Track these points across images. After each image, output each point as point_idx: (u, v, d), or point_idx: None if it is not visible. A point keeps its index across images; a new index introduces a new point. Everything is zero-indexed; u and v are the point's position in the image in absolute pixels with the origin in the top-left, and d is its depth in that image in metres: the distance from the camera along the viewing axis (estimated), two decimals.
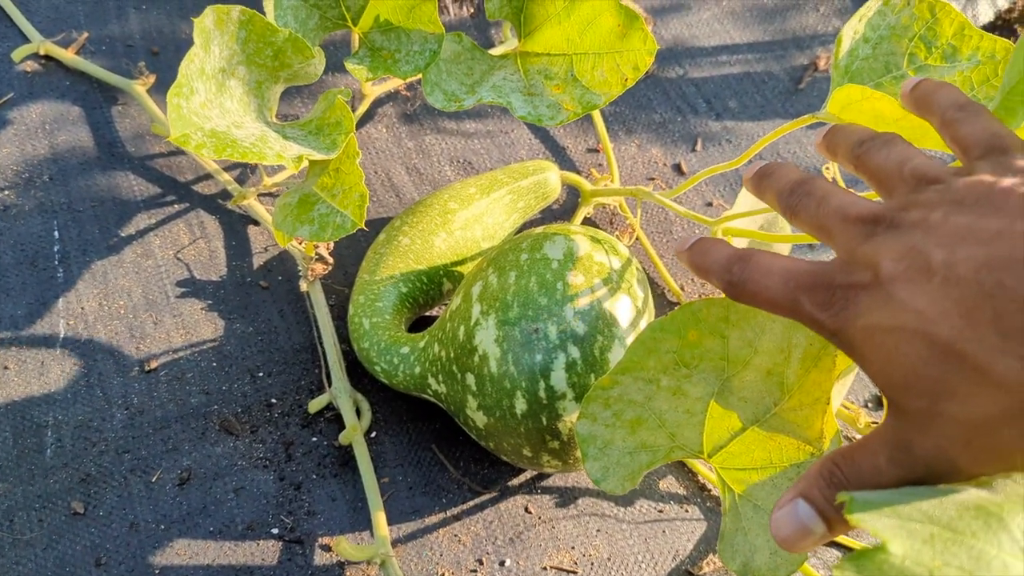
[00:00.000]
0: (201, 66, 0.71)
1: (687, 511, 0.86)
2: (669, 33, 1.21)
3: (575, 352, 0.71)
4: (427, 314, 0.93)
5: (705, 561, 0.84)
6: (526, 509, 0.84)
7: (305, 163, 0.75)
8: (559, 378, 0.71)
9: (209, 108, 0.71)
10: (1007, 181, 0.41)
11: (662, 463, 0.70)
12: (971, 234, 0.39)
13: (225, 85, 0.74)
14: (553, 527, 0.83)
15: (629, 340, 0.73)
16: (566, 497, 0.85)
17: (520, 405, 0.72)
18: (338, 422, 0.86)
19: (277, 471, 0.83)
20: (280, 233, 0.76)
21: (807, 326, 0.48)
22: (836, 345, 0.47)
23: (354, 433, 0.81)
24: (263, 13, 0.80)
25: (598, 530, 0.84)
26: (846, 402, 0.84)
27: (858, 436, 0.88)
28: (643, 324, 0.75)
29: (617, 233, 0.98)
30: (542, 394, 0.71)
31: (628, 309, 0.74)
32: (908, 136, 0.67)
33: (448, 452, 0.86)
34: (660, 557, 0.83)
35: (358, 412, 0.85)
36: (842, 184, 0.74)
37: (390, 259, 0.87)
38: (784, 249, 0.95)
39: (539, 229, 0.80)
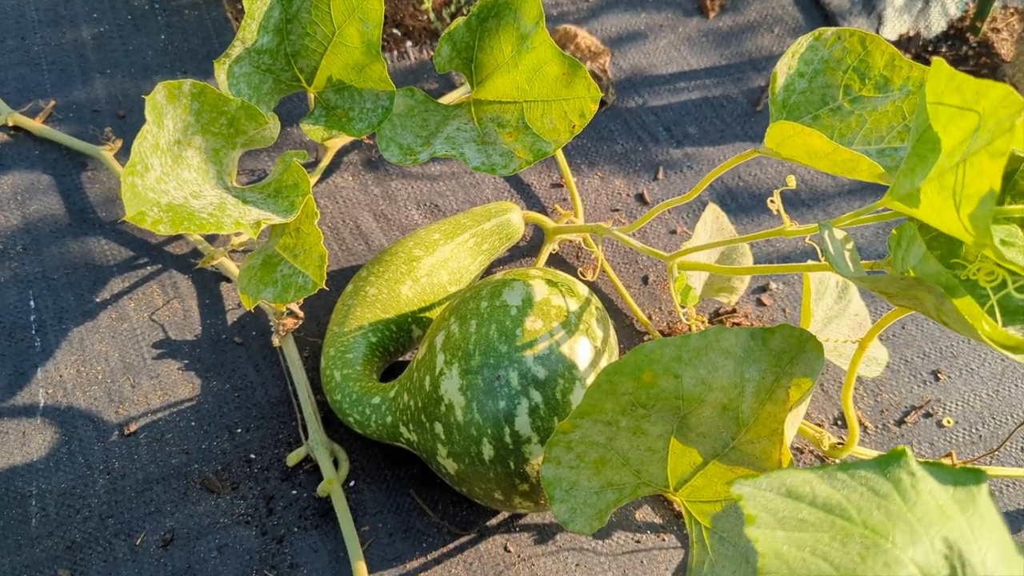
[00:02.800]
0: (155, 141, 0.73)
1: (664, 540, 0.88)
2: (627, 63, 1.23)
3: (537, 396, 0.73)
4: (402, 359, 0.95)
5: None
6: (505, 548, 0.86)
7: (267, 225, 0.77)
8: (523, 423, 0.72)
9: (165, 182, 0.73)
10: None
11: (629, 500, 0.72)
12: None
13: (182, 156, 0.76)
14: (532, 565, 0.85)
15: (590, 380, 0.75)
16: (544, 534, 0.87)
17: (487, 451, 0.74)
18: (317, 473, 0.88)
19: (259, 526, 0.85)
20: (246, 296, 0.78)
21: None
22: None
23: (331, 486, 0.83)
24: (215, 83, 0.82)
25: (577, 564, 0.85)
26: (808, 423, 0.86)
27: (823, 456, 0.90)
28: (604, 363, 0.77)
29: (581, 268, 1.00)
30: (508, 439, 0.73)
31: (587, 350, 0.75)
32: (839, 170, 0.69)
33: (426, 496, 0.88)
34: None
35: (336, 463, 0.87)
36: (784, 215, 0.76)
37: (358, 310, 0.88)
38: (742, 281, 0.97)
39: (499, 275, 0.82)
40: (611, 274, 0.98)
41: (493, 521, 0.87)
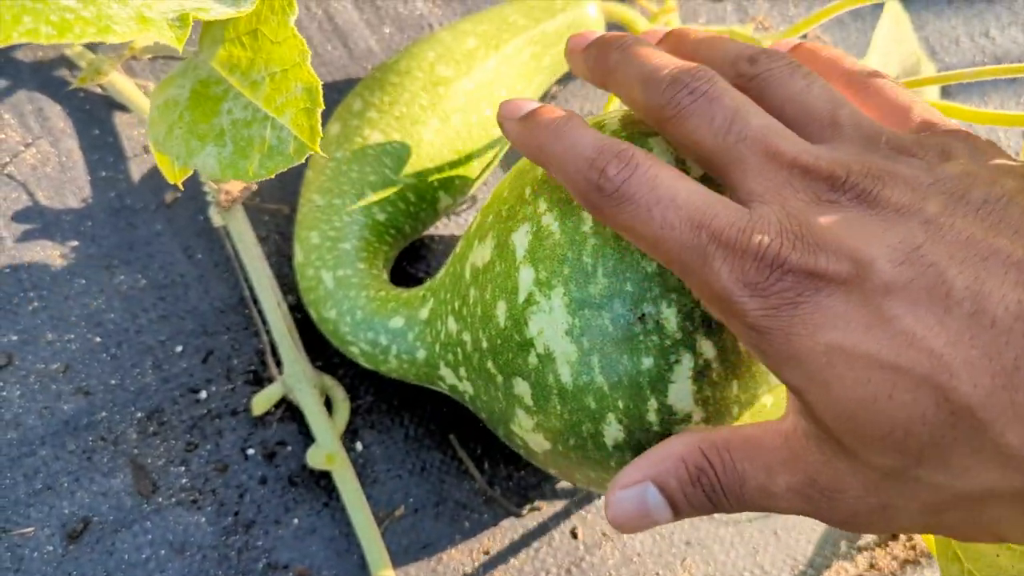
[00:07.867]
0: None
1: None
2: None
3: (708, 349, 0.42)
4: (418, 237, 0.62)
5: (831, 570, 0.61)
6: (573, 533, 0.59)
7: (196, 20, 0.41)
8: (682, 393, 0.42)
9: None
10: (1007, 184, 0.30)
11: None
12: (995, 256, 0.28)
13: None
14: (625, 546, 0.58)
15: None
16: None
17: (613, 432, 0.44)
18: (297, 419, 0.57)
19: (215, 505, 0.55)
20: (166, 163, 0.43)
21: (706, 303, 0.33)
22: (751, 348, 0.31)
23: (333, 460, 0.53)
24: None
25: (687, 543, 0.59)
26: None
27: None
28: None
29: None
30: (651, 417, 0.43)
31: None
32: None
33: (466, 447, 0.59)
34: (774, 570, 0.60)
35: (329, 405, 0.56)
36: None
37: (353, 168, 0.54)
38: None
39: (613, 118, 0.48)
40: None
41: (564, 484, 0.59)
